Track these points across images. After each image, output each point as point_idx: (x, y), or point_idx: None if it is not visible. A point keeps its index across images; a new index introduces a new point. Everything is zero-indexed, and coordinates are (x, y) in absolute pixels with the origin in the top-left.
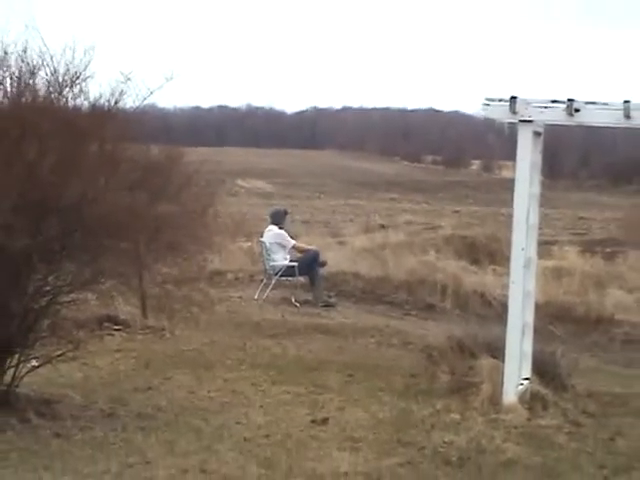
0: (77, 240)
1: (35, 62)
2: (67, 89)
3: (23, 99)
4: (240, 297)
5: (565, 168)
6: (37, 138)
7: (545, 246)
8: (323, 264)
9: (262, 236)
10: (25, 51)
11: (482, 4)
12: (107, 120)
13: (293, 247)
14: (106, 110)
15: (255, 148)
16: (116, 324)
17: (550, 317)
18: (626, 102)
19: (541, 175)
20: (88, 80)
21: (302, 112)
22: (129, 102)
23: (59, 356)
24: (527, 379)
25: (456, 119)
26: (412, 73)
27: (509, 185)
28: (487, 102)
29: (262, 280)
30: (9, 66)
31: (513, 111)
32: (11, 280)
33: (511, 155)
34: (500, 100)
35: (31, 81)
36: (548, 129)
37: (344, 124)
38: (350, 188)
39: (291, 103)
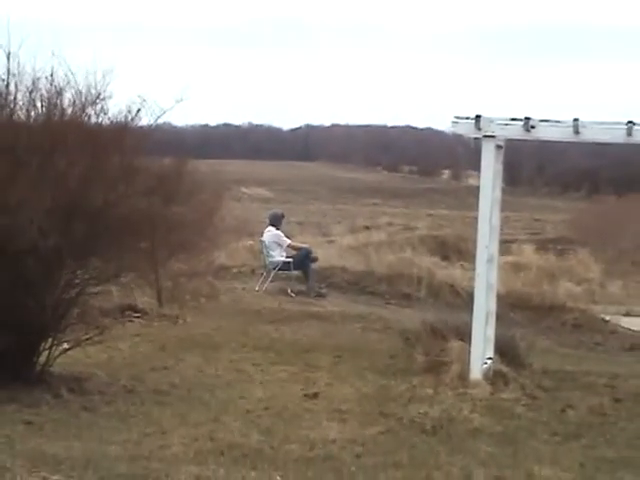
0: (102, 239)
1: (61, 84)
2: (90, 107)
3: (51, 117)
4: (243, 288)
5: (523, 176)
6: (66, 151)
7: (506, 244)
8: (315, 260)
9: (262, 236)
10: (52, 75)
11: (451, 40)
12: (126, 135)
13: (288, 245)
14: (125, 126)
15: (256, 160)
16: (136, 312)
17: (510, 305)
18: (575, 120)
19: (502, 182)
20: (108, 99)
21: (297, 129)
22: (145, 120)
23: (87, 340)
24: (490, 359)
25: (429, 134)
26: (392, 95)
27: (475, 191)
28: (456, 120)
29: (262, 274)
30: (39, 89)
31: (478, 127)
32: (45, 275)
33: (476, 165)
34: (467, 118)
35: (58, 101)
36: (508, 143)
37: (333, 139)
38: (338, 194)
39: (287, 121)
